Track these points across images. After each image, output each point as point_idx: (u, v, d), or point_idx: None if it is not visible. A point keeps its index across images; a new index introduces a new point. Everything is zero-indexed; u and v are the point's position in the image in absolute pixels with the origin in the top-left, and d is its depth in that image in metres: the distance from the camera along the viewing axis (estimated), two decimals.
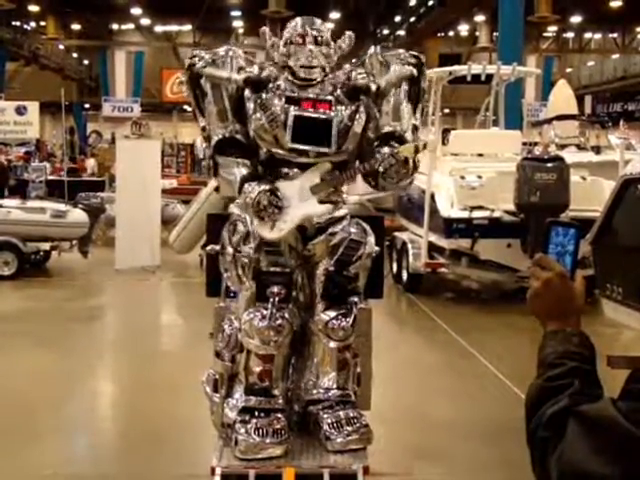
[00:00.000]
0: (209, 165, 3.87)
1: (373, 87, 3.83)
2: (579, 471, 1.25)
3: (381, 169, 3.66)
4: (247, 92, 3.79)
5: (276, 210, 3.63)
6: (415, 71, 3.93)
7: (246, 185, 3.68)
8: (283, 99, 3.73)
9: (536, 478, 1.38)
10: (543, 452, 1.34)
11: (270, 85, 3.78)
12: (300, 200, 3.71)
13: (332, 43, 3.86)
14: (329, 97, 3.78)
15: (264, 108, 3.72)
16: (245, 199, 3.67)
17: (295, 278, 3.83)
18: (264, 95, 3.75)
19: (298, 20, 3.92)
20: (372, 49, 4.01)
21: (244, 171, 3.75)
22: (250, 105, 3.78)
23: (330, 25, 4.60)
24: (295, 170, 3.77)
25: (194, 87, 3.87)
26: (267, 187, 3.64)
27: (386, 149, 3.70)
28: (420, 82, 3.98)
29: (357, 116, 3.78)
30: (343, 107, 3.78)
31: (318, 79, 3.80)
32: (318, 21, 3.92)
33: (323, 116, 3.73)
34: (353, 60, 4.06)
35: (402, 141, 3.78)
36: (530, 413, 1.41)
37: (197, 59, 3.86)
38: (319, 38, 3.79)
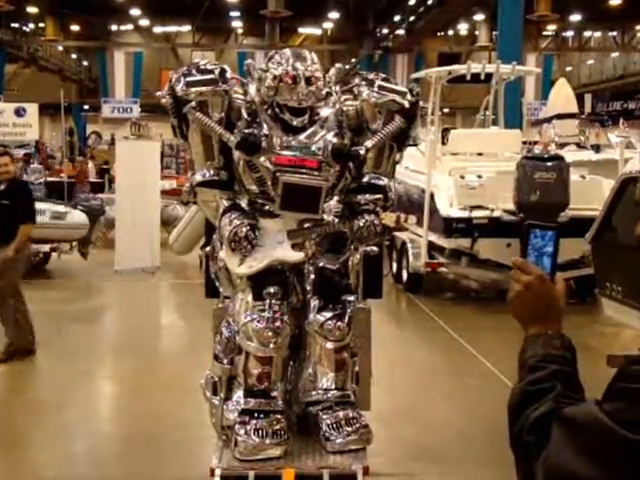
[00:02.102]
0: (189, 191, 3.89)
1: (362, 153, 3.79)
2: (565, 474, 1.24)
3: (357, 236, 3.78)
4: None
5: (249, 246, 3.65)
6: (403, 124, 3.88)
7: (228, 214, 3.70)
8: (272, 163, 3.68)
9: None
10: (527, 456, 1.33)
11: (259, 148, 3.69)
12: (275, 241, 3.73)
13: (321, 78, 3.76)
14: (319, 157, 3.72)
15: (254, 170, 3.72)
16: (223, 227, 3.69)
17: (289, 279, 3.83)
18: (254, 157, 3.69)
19: (288, 55, 3.77)
20: (364, 88, 3.90)
21: (226, 203, 3.78)
22: (237, 158, 3.75)
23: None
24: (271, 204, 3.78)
25: (179, 116, 3.79)
26: (247, 221, 3.66)
27: (364, 220, 3.76)
28: (411, 126, 3.97)
29: (343, 177, 3.83)
30: (331, 170, 3.75)
31: (306, 120, 3.75)
32: (308, 56, 3.79)
33: (313, 183, 3.70)
34: (331, 78, 3.95)
35: (379, 190, 3.90)
36: (513, 417, 1.40)
37: (187, 92, 3.72)
38: (312, 78, 3.69)
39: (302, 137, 3.75)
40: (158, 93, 3.94)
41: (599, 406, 1.25)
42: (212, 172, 3.81)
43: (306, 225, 3.77)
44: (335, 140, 3.76)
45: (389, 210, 4.41)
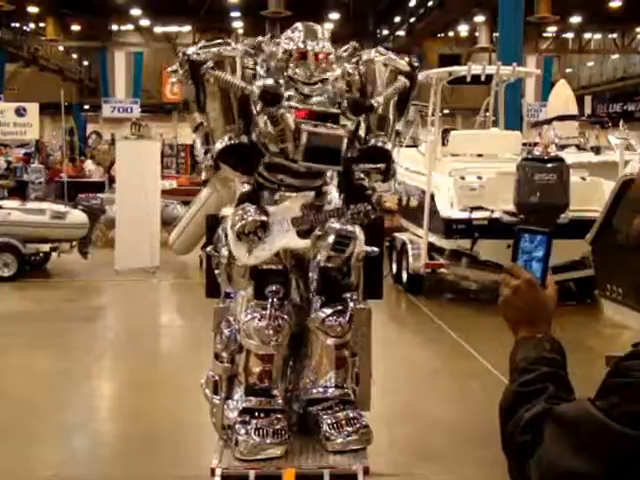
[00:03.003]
0: (211, 166, 3.84)
1: (376, 105, 3.82)
2: (560, 471, 1.25)
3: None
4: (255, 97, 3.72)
5: (257, 239, 3.66)
6: (408, 83, 3.95)
7: (243, 206, 3.71)
8: (294, 113, 3.69)
9: None
10: (521, 457, 1.34)
11: (281, 99, 3.69)
12: (281, 229, 3.74)
13: (332, 52, 3.80)
14: (335, 110, 3.76)
15: (275, 123, 3.68)
16: (235, 217, 3.70)
17: (290, 278, 3.84)
18: (274, 109, 3.67)
19: (300, 30, 3.79)
20: (367, 55, 3.98)
21: (245, 188, 3.79)
22: (257, 111, 3.72)
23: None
24: (290, 179, 3.81)
25: (196, 82, 3.76)
26: (259, 218, 3.67)
27: (362, 206, 3.74)
28: (411, 91, 4.01)
29: (359, 132, 3.83)
30: (349, 122, 3.78)
31: (317, 86, 3.77)
32: (319, 31, 3.82)
33: (335, 133, 3.70)
34: (347, 52, 4.00)
35: (383, 155, 3.90)
36: (505, 418, 1.41)
37: (202, 55, 3.74)
38: (320, 55, 3.72)
39: (315, 99, 3.78)
40: (169, 69, 3.94)
41: (592, 403, 1.26)
42: (233, 138, 3.74)
43: (308, 214, 3.77)
44: (348, 95, 3.81)
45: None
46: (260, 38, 3.95)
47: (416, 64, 4.08)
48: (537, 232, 1.58)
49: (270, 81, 3.69)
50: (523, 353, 1.49)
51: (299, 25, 3.85)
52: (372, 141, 3.89)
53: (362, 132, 3.88)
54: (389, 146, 3.93)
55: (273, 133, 3.70)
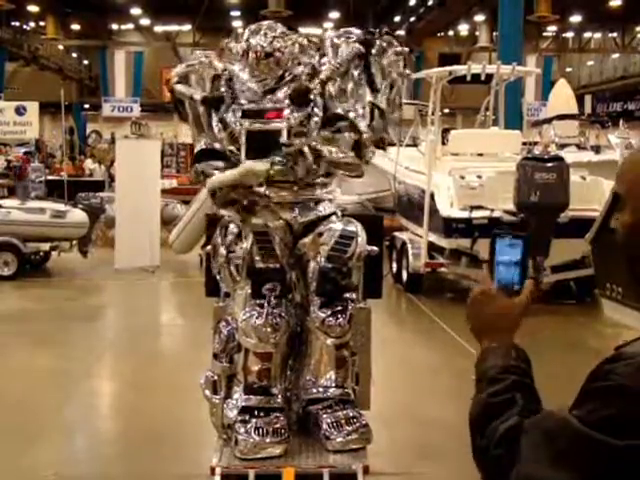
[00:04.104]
0: (195, 171, 3.95)
1: (312, 85, 3.80)
2: None
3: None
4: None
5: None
6: (362, 48, 3.91)
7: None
8: (239, 114, 3.80)
9: None
10: (497, 471, 1.32)
11: (228, 101, 3.83)
12: None
13: (283, 48, 3.80)
14: (279, 105, 3.80)
15: (224, 125, 3.83)
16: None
17: (289, 277, 3.84)
18: (223, 113, 3.83)
19: (249, 31, 3.90)
20: (325, 33, 4.05)
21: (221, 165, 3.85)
22: (214, 121, 3.87)
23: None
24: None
25: (174, 99, 4.04)
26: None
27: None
28: (368, 59, 3.94)
29: (312, 118, 3.76)
30: (297, 113, 3.76)
31: (272, 85, 3.82)
32: (264, 26, 3.88)
33: (273, 127, 3.74)
34: (310, 44, 3.99)
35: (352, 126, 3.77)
36: (476, 429, 1.40)
37: (175, 72, 4.02)
38: (262, 54, 3.77)
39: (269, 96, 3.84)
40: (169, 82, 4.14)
41: (570, 412, 1.22)
42: (203, 144, 3.94)
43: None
44: (294, 84, 3.82)
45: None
46: (227, 40, 4.06)
47: (373, 30, 4.07)
48: (515, 236, 1.57)
49: (216, 86, 3.90)
50: (490, 362, 1.47)
51: (252, 26, 3.94)
52: (337, 110, 3.81)
53: (316, 119, 3.78)
54: (351, 114, 3.82)
55: (224, 137, 3.82)
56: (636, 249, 1.31)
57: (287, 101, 3.79)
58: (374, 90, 3.95)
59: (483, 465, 1.38)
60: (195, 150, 4.00)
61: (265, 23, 3.96)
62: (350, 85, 3.89)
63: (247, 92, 3.86)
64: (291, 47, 3.85)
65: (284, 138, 3.69)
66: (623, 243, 1.34)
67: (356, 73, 3.91)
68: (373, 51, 3.97)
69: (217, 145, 3.89)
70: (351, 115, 3.80)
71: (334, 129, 3.80)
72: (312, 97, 3.78)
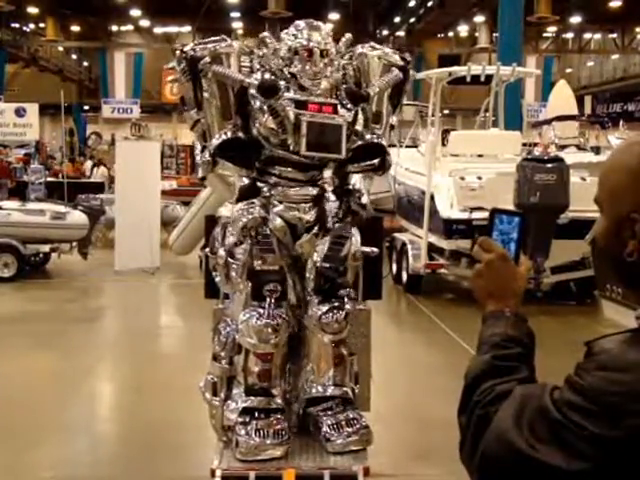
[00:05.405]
0: (208, 161, 3.86)
1: (372, 94, 3.90)
2: (501, 438, 1.26)
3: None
4: (253, 92, 3.75)
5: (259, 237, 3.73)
6: (401, 75, 4.01)
7: (246, 202, 3.77)
8: (293, 104, 3.74)
9: (462, 458, 1.37)
10: (476, 430, 1.34)
11: (279, 90, 3.74)
12: None
13: (334, 48, 3.87)
14: (333, 100, 3.81)
15: (274, 114, 3.73)
16: (238, 213, 3.74)
17: (287, 278, 3.84)
18: (273, 101, 3.72)
19: (303, 27, 3.84)
20: (361, 48, 4.05)
21: (244, 181, 3.81)
22: (256, 106, 3.76)
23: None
24: (289, 169, 3.84)
25: (193, 78, 3.81)
26: (259, 216, 3.72)
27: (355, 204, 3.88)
28: (405, 85, 4.08)
29: (357, 121, 3.87)
30: (346, 111, 3.82)
31: (321, 86, 3.82)
32: (322, 27, 3.89)
33: (334, 122, 3.75)
34: (341, 49, 4.05)
35: (378, 150, 3.97)
36: (471, 386, 1.42)
37: (199, 51, 3.79)
38: (324, 52, 3.79)
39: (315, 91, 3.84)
40: (166, 65, 4.00)
41: (552, 391, 1.28)
42: (230, 133, 3.80)
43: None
44: (345, 86, 3.89)
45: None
46: (264, 33, 3.99)
47: (408, 58, 4.15)
48: (513, 214, 1.62)
49: (267, 74, 3.77)
50: (497, 328, 1.49)
51: (301, 23, 3.89)
52: (367, 136, 3.95)
53: (359, 127, 3.91)
54: (383, 141, 4.01)
55: (273, 125, 3.74)
56: (616, 253, 1.34)
57: (335, 100, 3.81)
58: (395, 111, 4.15)
59: (465, 420, 1.39)
60: (213, 143, 3.80)
61: (314, 22, 3.93)
62: (378, 105, 4.01)
63: (291, 84, 3.81)
64: (335, 53, 3.90)
65: (344, 137, 3.74)
66: (603, 249, 1.37)
67: (385, 97, 4.03)
68: (407, 79, 4.10)
69: (242, 135, 3.81)
70: (383, 142, 4.02)
71: (370, 163, 4.02)
72: (361, 102, 3.87)
